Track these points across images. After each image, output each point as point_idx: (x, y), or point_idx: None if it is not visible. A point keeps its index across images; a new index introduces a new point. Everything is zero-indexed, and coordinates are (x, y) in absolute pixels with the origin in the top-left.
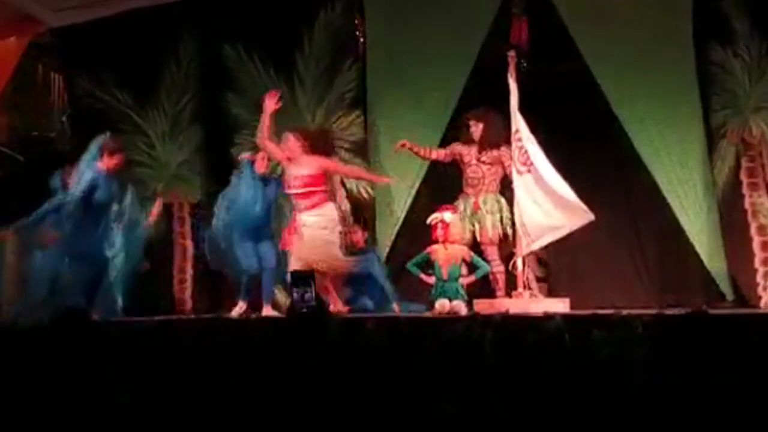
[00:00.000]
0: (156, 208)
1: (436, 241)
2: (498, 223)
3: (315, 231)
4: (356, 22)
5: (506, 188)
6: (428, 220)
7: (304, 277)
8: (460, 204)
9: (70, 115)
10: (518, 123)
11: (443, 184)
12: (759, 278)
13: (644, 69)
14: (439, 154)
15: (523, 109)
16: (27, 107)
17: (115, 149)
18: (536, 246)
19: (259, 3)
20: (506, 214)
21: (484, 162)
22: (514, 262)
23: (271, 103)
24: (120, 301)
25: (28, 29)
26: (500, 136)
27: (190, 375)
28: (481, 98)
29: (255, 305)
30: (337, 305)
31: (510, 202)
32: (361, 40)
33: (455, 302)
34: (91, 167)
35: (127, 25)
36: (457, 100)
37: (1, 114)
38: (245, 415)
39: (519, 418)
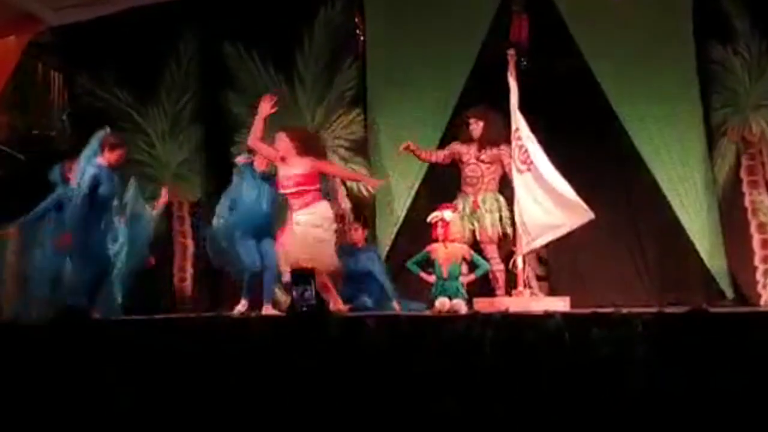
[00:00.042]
0: (162, 197)
1: (436, 240)
2: (497, 222)
3: (307, 229)
4: (356, 20)
5: (505, 187)
6: (428, 219)
7: (304, 276)
8: (459, 203)
9: (71, 113)
10: (518, 121)
11: (443, 183)
12: (759, 276)
13: (644, 67)
14: (439, 156)
15: (523, 108)
16: (27, 106)
17: (116, 144)
18: (536, 244)
19: (260, 2)
20: (505, 212)
21: (483, 161)
22: (515, 261)
23: (266, 107)
24: (119, 299)
25: (28, 28)
26: (500, 135)
27: (191, 373)
28: (481, 96)
29: (255, 304)
30: (337, 303)
31: (509, 201)
32: (361, 38)
33: (455, 301)
34: (92, 162)
35: (128, 23)
36: (457, 98)
37: (1, 113)
38: (246, 413)
39: (519, 417)
